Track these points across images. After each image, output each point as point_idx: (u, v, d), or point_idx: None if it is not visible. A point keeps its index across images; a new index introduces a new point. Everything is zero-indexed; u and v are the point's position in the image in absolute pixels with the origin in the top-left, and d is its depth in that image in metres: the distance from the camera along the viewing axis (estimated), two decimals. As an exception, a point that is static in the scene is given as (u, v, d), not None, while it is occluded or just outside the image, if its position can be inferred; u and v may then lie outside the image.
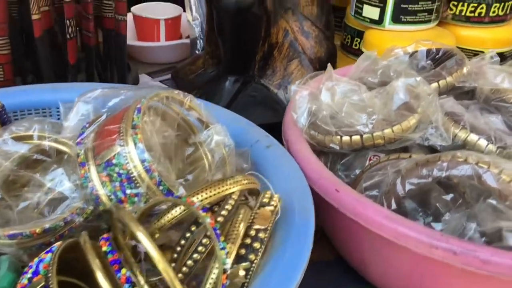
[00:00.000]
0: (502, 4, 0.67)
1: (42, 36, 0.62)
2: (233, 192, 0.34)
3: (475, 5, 0.67)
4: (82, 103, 0.37)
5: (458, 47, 0.68)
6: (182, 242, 0.33)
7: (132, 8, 0.90)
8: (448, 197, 0.39)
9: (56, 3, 0.64)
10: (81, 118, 0.37)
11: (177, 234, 0.34)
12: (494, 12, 0.67)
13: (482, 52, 0.69)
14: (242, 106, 0.67)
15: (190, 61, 0.77)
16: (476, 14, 0.67)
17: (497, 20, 0.68)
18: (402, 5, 0.64)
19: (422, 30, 0.66)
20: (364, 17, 0.67)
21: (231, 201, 0.33)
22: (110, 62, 0.70)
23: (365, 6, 0.66)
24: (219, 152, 0.38)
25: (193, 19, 0.89)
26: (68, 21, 0.62)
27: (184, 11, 0.89)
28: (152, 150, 0.35)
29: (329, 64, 0.47)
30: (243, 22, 0.62)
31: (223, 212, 0.32)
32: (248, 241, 0.32)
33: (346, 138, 0.43)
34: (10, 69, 0.63)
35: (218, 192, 0.34)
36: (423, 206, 0.40)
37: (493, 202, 0.36)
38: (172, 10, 0.92)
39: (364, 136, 0.42)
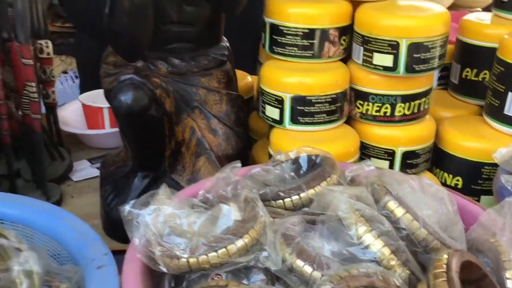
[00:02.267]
0: (408, 104, 0.66)
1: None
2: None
3: (379, 104, 0.66)
4: None
5: (369, 145, 0.68)
6: None
7: (80, 97, 0.94)
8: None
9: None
10: None
11: None
12: (400, 111, 0.66)
13: (393, 150, 0.68)
14: (152, 201, 0.68)
15: (116, 153, 0.79)
16: (382, 114, 0.67)
17: (405, 119, 0.67)
18: (298, 107, 0.64)
19: (324, 130, 0.66)
20: (267, 116, 0.68)
21: None
22: (29, 158, 0.73)
23: (267, 106, 0.67)
24: (27, 280, 0.39)
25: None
26: (-24, 123, 0.65)
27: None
28: None
29: (163, 188, 0.47)
30: (140, 123, 0.64)
31: None
32: None
33: (174, 262, 0.42)
34: None
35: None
36: None
37: None
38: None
39: (190, 260, 0.42)
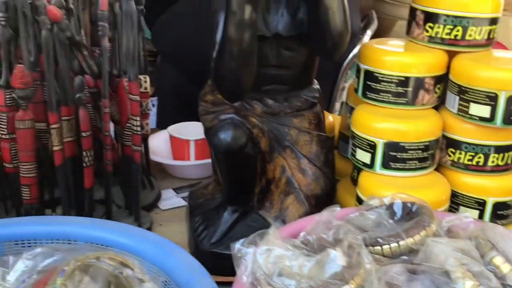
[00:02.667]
0: (502, 154, 0.66)
1: (63, 164, 0.70)
2: None
3: (472, 154, 0.66)
4: (23, 260, 0.42)
5: (458, 194, 0.68)
6: None
7: (168, 128, 0.99)
8: None
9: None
10: (20, 274, 0.42)
11: None
12: (493, 162, 0.66)
13: (484, 200, 0.67)
14: (240, 235, 0.70)
15: (205, 184, 0.82)
16: (474, 163, 0.67)
17: (497, 170, 0.67)
18: (390, 153, 0.65)
19: (415, 176, 0.66)
20: (357, 159, 0.69)
21: None
22: (124, 186, 0.77)
23: (358, 150, 0.69)
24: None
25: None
26: (85, 152, 0.70)
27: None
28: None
29: (273, 229, 0.49)
30: (236, 161, 0.67)
31: None
32: None
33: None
34: (36, 189, 0.72)
35: None
36: None
37: None
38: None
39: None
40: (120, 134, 0.77)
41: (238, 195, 0.72)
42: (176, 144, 0.97)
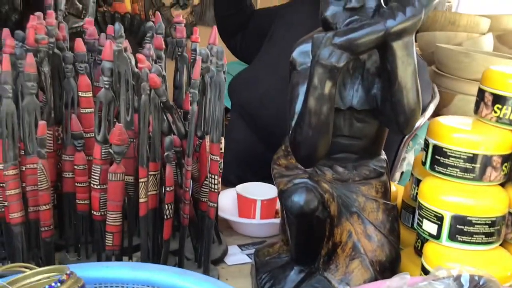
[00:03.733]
0: None
1: (146, 215, 0.77)
2: None
3: (539, 232, 0.68)
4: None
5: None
6: None
7: (237, 187, 1.04)
8: None
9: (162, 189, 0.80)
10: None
11: None
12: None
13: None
14: (305, 295, 0.74)
15: (271, 243, 0.86)
16: (541, 241, 0.68)
17: None
18: (457, 226, 0.68)
19: (481, 250, 0.68)
20: (424, 230, 0.72)
21: None
22: (197, 239, 0.82)
23: (424, 221, 0.71)
24: None
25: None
26: (167, 205, 0.76)
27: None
28: None
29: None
30: (306, 223, 0.71)
31: None
32: None
33: None
34: (119, 237, 0.78)
35: None
36: None
37: None
38: (270, 191, 1.04)
39: None
40: (196, 191, 0.83)
41: (305, 256, 0.76)
42: (243, 203, 1.02)
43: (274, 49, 1.29)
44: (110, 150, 0.74)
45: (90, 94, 0.81)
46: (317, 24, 1.36)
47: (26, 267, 0.56)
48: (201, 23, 3.25)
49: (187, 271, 0.61)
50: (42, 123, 0.72)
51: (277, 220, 1.01)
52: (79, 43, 0.79)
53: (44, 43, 0.78)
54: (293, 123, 0.70)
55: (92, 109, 0.82)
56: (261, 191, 1.02)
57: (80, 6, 2.16)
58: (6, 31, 0.83)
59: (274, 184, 0.77)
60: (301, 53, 0.73)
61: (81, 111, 0.82)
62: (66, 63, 0.80)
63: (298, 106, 0.70)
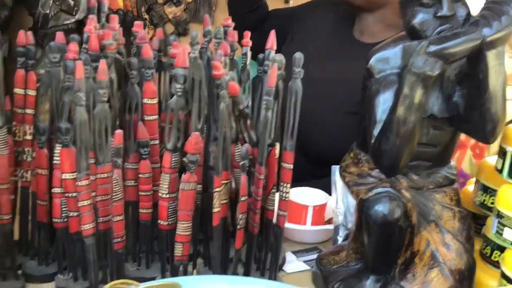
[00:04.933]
0: None
1: (219, 224, 0.75)
2: None
3: None
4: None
5: None
6: None
7: (287, 192, 1.03)
8: None
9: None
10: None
11: None
12: None
13: None
14: (381, 304, 0.73)
15: (334, 251, 0.85)
16: None
17: None
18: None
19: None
20: (504, 238, 0.72)
21: None
22: (265, 249, 0.81)
23: (506, 229, 0.71)
24: None
25: (337, 207, 0.99)
26: (240, 215, 0.75)
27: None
28: None
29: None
30: (389, 232, 0.70)
31: None
32: None
33: None
34: (188, 247, 0.76)
35: None
36: None
37: None
38: (320, 196, 1.03)
39: None
40: (263, 199, 0.82)
41: (382, 265, 0.75)
42: (294, 208, 1.01)
43: (294, 50, 1.27)
44: (184, 159, 0.72)
45: (155, 101, 0.79)
46: (338, 29, 1.36)
47: (127, 283, 0.54)
48: (194, 21, 3.22)
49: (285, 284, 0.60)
50: (118, 132, 0.69)
51: (331, 227, 1.00)
52: (147, 49, 0.77)
53: (112, 49, 0.75)
54: (376, 131, 0.69)
55: (156, 116, 0.80)
56: (312, 197, 1.01)
57: (72, 2, 2.12)
58: (60, 35, 0.80)
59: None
60: (379, 60, 0.72)
61: (145, 118, 0.79)
62: (132, 69, 0.78)
63: (381, 114, 0.69)
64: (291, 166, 0.77)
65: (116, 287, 0.52)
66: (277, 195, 0.80)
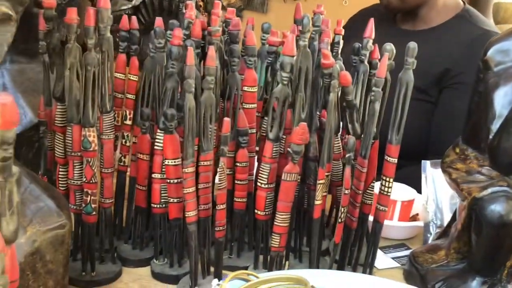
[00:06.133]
0: None
1: (320, 217, 0.73)
2: None
3: None
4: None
5: None
6: None
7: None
8: None
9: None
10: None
11: None
12: None
13: None
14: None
15: (430, 249, 0.83)
16: None
17: None
18: None
19: None
20: None
21: None
22: (360, 244, 0.79)
23: None
24: None
25: (428, 204, 0.96)
26: (342, 208, 0.73)
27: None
28: None
29: None
30: (503, 233, 0.67)
31: None
32: None
33: None
34: (285, 238, 0.75)
35: None
36: None
37: None
38: (407, 191, 1.00)
39: None
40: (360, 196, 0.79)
41: (490, 267, 0.72)
42: (381, 203, 0.98)
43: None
44: (289, 149, 0.70)
45: (255, 89, 0.78)
46: (381, 23, 1.39)
47: (249, 274, 0.53)
48: (249, 8, 3.19)
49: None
50: (226, 119, 0.68)
51: (419, 223, 0.97)
52: (250, 36, 0.75)
53: (217, 36, 0.74)
54: (495, 127, 0.66)
55: (255, 105, 0.79)
56: (400, 192, 0.99)
57: None
58: (159, 20, 0.80)
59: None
60: (499, 51, 0.68)
61: (244, 106, 0.78)
62: (233, 56, 0.77)
63: (501, 109, 0.66)
64: (395, 160, 0.74)
65: (238, 277, 0.51)
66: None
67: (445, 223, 0.95)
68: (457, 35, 1.24)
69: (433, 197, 0.97)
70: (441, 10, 1.28)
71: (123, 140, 0.80)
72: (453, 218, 0.84)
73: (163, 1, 2.70)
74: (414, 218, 1.03)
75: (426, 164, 0.98)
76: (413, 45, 0.69)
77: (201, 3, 2.78)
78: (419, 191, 1.00)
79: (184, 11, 0.88)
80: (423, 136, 1.24)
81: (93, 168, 0.70)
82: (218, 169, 0.70)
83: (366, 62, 0.81)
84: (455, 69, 1.20)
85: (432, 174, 0.98)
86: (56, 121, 0.75)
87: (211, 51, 0.69)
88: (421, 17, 1.30)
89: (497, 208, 0.65)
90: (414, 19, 1.31)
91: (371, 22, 0.84)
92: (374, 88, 0.71)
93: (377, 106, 0.71)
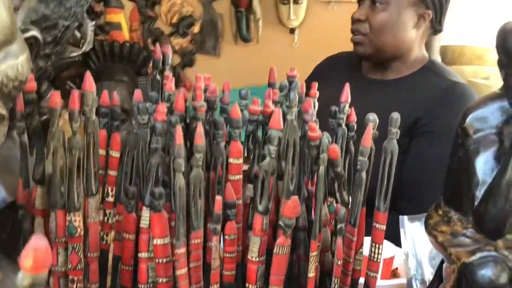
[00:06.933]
0: None
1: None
2: None
3: None
4: None
5: None
6: None
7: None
8: None
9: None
10: None
11: None
12: None
13: None
14: None
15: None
16: None
17: None
18: None
19: None
20: None
21: None
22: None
23: None
24: None
25: (408, 259, 0.97)
26: (335, 279, 0.73)
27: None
28: None
29: None
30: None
31: None
32: None
33: None
34: None
35: None
36: None
37: None
38: (388, 249, 1.01)
39: None
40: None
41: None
42: (362, 262, 0.99)
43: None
44: (280, 222, 0.70)
45: (241, 161, 0.78)
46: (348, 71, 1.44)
47: None
48: (201, 52, 3.23)
49: None
50: (218, 198, 0.68)
51: (402, 280, 0.98)
52: (235, 110, 0.76)
53: (202, 111, 0.74)
54: (480, 193, 0.68)
55: (241, 176, 0.79)
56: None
57: (79, 34, 2.12)
58: (138, 93, 0.79)
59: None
60: (477, 119, 0.71)
61: (230, 178, 0.78)
62: (217, 128, 0.77)
63: (483, 176, 0.68)
64: (384, 227, 0.75)
65: None
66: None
67: (426, 277, 0.96)
68: (424, 85, 1.30)
69: (413, 252, 0.98)
70: (411, 62, 1.34)
71: (105, 218, 0.77)
72: (436, 277, 0.85)
73: (114, 47, 2.69)
74: (394, 273, 1.05)
75: (404, 219, 1.00)
76: (396, 115, 0.71)
77: (152, 48, 2.78)
78: (395, 238, 1.00)
79: (158, 77, 0.88)
80: (395, 183, 1.26)
81: (79, 254, 0.68)
82: (212, 248, 0.68)
83: (344, 126, 0.83)
84: (425, 118, 1.25)
85: (410, 229, 1.00)
86: (36, 204, 0.72)
87: (200, 128, 0.68)
88: (391, 68, 1.35)
89: (487, 273, 0.67)
90: (383, 69, 1.36)
91: (347, 87, 0.86)
92: (360, 158, 0.72)
93: (364, 175, 0.72)
